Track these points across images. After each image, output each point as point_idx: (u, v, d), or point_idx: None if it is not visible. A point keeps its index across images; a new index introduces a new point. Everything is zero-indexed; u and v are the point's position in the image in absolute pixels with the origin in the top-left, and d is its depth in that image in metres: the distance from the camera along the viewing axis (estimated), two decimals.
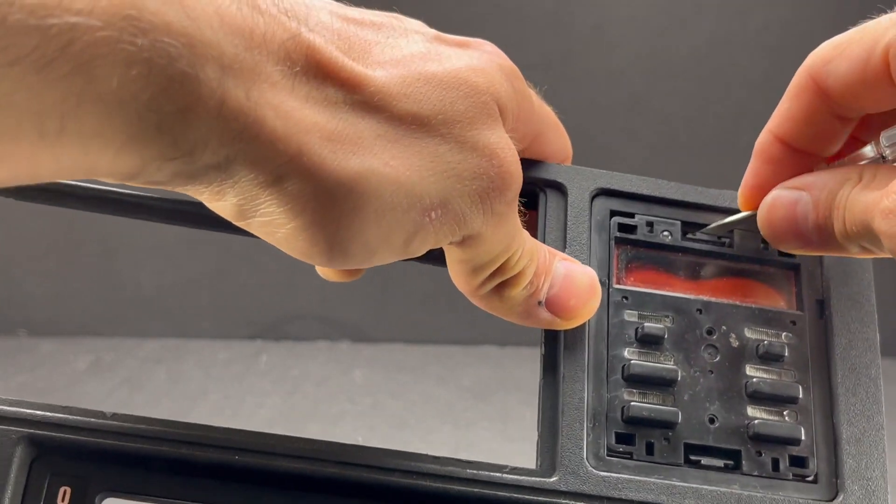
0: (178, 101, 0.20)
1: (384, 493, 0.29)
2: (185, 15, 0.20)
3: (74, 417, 0.28)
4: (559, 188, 0.34)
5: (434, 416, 1.37)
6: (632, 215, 0.34)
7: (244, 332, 1.47)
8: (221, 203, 0.24)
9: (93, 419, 0.28)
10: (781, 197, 0.30)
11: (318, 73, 0.24)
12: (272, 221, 0.24)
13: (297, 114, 0.23)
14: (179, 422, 0.28)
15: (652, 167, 1.41)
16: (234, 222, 0.25)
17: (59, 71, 0.18)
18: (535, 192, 0.33)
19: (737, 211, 0.33)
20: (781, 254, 0.34)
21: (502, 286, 0.29)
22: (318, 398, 1.38)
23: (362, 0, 0.28)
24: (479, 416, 1.37)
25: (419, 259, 0.32)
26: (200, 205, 0.31)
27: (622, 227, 0.33)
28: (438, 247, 0.27)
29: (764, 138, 0.32)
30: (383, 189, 0.24)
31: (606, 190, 0.34)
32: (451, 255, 0.29)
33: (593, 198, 0.34)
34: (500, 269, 0.29)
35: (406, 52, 0.26)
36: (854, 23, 0.29)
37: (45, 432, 0.27)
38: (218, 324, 1.46)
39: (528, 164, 0.31)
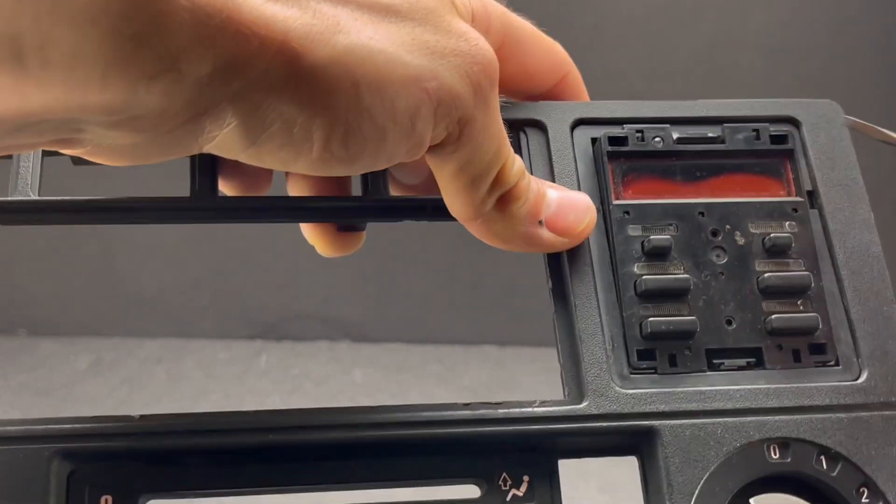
0: (149, 5, 0.20)
1: (423, 446, 0.29)
2: None
3: (103, 425, 0.27)
4: (538, 125, 0.34)
5: None
6: (622, 126, 0.33)
7: (244, 332, 1.47)
8: (225, 131, 0.24)
9: (122, 423, 0.27)
10: None
11: None
12: (283, 124, 0.24)
13: (269, 7, 0.23)
14: (208, 412, 0.28)
15: None
16: (242, 154, 0.25)
17: None
18: (516, 133, 0.33)
19: (710, 119, 0.34)
20: (774, 141, 0.34)
21: (503, 201, 0.29)
22: (319, 398, 1.38)
23: None
24: None
25: (417, 215, 0.32)
26: (189, 199, 0.31)
27: (613, 140, 0.33)
28: (437, 138, 0.27)
29: None
30: (375, 59, 0.24)
31: (585, 119, 0.34)
32: (448, 168, 0.28)
33: (573, 129, 0.34)
34: (497, 179, 0.29)
35: None
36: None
37: (77, 444, 0.27)
38: (218, 324, 1.46)
39: (504, 107, 0.30)
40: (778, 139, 0.34)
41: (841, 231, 0.33)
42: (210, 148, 0.25)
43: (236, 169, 0.34)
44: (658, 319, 0.30)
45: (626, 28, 1.39)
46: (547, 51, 0.34)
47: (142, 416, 0.27)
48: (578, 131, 0.34)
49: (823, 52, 1.42)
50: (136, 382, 1.38)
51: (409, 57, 0.25)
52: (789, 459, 0.29)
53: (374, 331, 1.49)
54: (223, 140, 0.24)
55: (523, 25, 0.33)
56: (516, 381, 1.44)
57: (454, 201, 0.30)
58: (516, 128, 0.33)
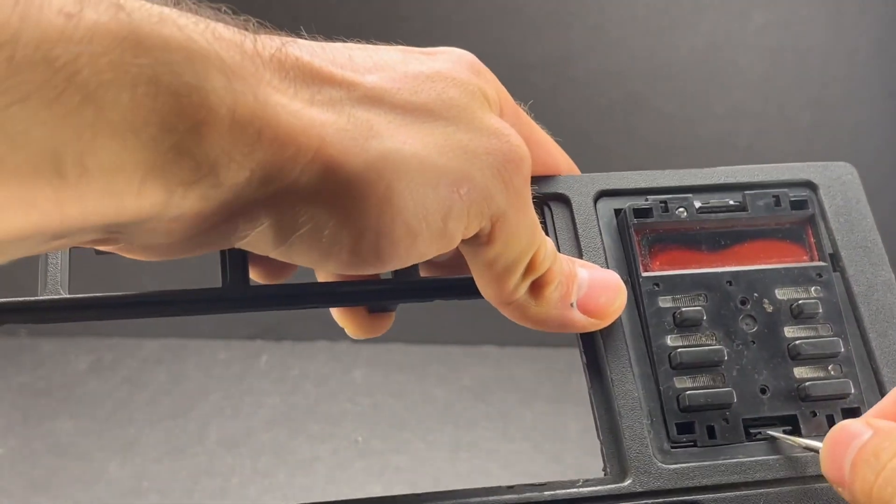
0: (190, 115, 0.20)
1: None
2: (179, 31, 0.21)
3: None
4: (562, 199, 0.34)
5: (434, 416, 1.37)
6: (644, 197, 0.34)
7: (244, 332, 1.47)
8: (258, 232, 0.24)
9: None
10: (846, 427, 0.28)
11: (313, 78, 0.24)
12: (314, 227, 0.24)
13: (307, 112, 0.23)
14: None
15: (651, 167, 1.41)
16: (273, 251, 0.25)
17: (69, 103, 0.19)
18: (540, 208, 0.33)
19: (730, 185, 0.34)
20: (794, 206, 0.34)
21: (536, 287, 0.29)
22: (318, 398, 1.38)
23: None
24: (479, 416, 1.37)
25: (448, 295, 0.32)
26: (221, 290, 0.31)
27: (638, 213, 0.33)
28: (469, 233, 0.27)
29: None
30: (409, 165, 0.24)
31: (607, 191, 0.34)
32: (481, 259, 0.28)
33: (596, 201, 0.34)
34: (531, 266, 0.29)
35: (386, 59, 0.27)
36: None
37: None
38: (218, 324, 1.46)
39: None
40: (798, 204, 0.34)
41: (865, 293, 0.33)
42: (241, 245, 0.25)
43: (263, 257, 0.34)
44: (696, 392, 0.31)
45: (626, 28, 1.39)
46: (566, 160, 0.35)
47: None
48: (601, 203, 0.34)
49: (823, 52, 1.42)
50: (136, 382, 1.38)
51: (442, 159, 0.25)
52: None
53: None
54: (255, 238, 0.24)
55: (543, 132, 0.34)
56: (516, 382, 1.43)
57: (487, 289, 0.29)
58: (540, 203, 0.33)
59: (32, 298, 0.30)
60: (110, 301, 0.31)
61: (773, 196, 0.34)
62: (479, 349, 1.48)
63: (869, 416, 0.28)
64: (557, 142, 0.35)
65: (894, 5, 1.40)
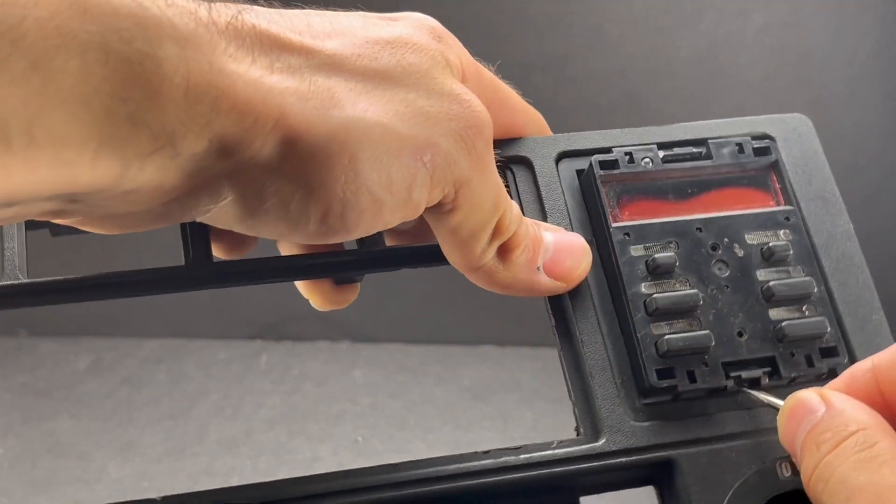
0: (143, 83, 0.20)
1: (447, 500, 0.29)
2: None
3: None
4: (524, 162, 0.34)
5: (434, 416, 1.37)
6: (609, 150, 0.34)
7: (244, 332, 1.47)
8: (221, 204, 0.24)
9: None
10: (805, 400, 0.27)
11: (272, 45, 0.24)
12: (280, 200, 0.24)
13: (266, 80, 0.23)
14: (228, 488, 0.28)
15: None
16: (238, 225, 0.25)
17: (14, 69, 0.18)
18: (503, 171, 0.33)
19: (691, 140, 0.35)
20: (757, 153, 0.34)
21: (502, 251, 0.29)
22: (318, 398, 1.38)
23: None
24: (479, 416, 1.37)
25: (414, 263, 0.32)
26: (184, 268, 0.30)
27: (604, 165, 0.33)
28: (434, 200, 0.27)
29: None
30: (372, 133, 0.24)
31: (568, 152, 0.34)
32: (447, 225, 0.28)
33: (557, 163, 0.34)
34: (496, 231, 0.29)
35: (345, 25, 0.26)
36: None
37: None
38: (218, 324, 1.46)
39: None
40: (761, 151, 0.34)
41: (825, 244, 0.34)
42: (205, 219, 0.24)
43: (225, 231, 0.33)
44: (675, 336, 0.31)
45: (626, 28, 1.39)
46: (532, 118, 0.35)
47: (164, 498, 0.27)
48: (563, 164, 0.34)
49: (823, 53, 1.42)
50: (136, 382, 1.38)
51: (404, 127, 0.25)
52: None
53: (374, 331, 1.49)
54: (219, 212, 0.24)
55: (510, 92, 0.34)
56: (516, 382, 1.43)
57: (453, 254, 0.29)
58: (503, 166, 0.33)
59: None
60: (71, 284, 0.30)
61: (736, 144, 0.34)
62: (479, 349, 1.48)
63: (831, 386, 0.28)
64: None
65: (894, 5, 1.40)
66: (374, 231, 0.26)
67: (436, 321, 1.48)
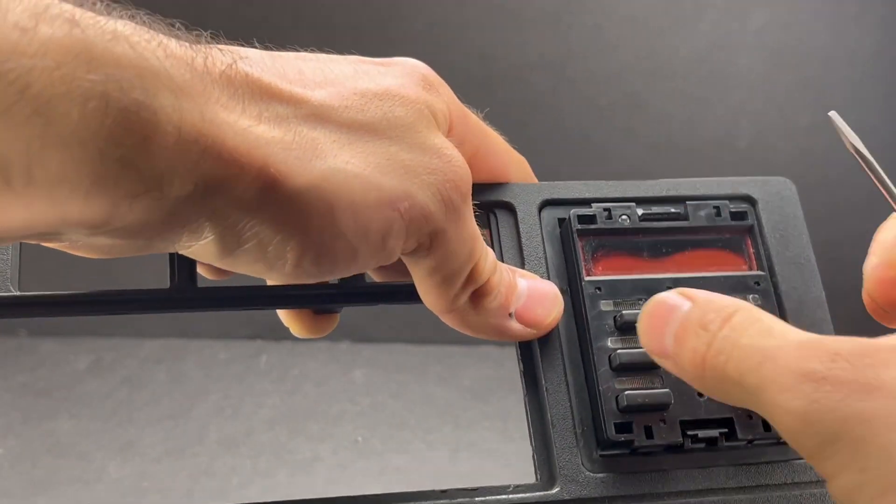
0: (137, 131, 0.21)
1: None
2: (131, 49, 0.21)
3: None
4: (507, 207, 0.35)
5: (434, 416, 1.37)
6: (588, 204, 0.34)
7: (244, 332, 1.47)
8: (202, 243, 0.25)
9: None
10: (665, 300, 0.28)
11: (262, 94, 0.25)
12: (258, 243, 0.25)
13: (253, 130, 0.24)
14: None
15: (651, 167, 1.41)
16: (217, 262, 0.26)
17: (19, 115, 0.19)
18: (486, 215, 0.34)
19: (671, 197, 0.35)
20: (734, 217, 0.35)
21: (475, 297, 0.30)
22: (318, 398, 1.38)
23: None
24: (479, 416, 1.37)
25: (391, 300, 0.33)
26: (168, 290, 0.31)
27: (582, 219, 0.34)
28: (408, 249, 0.28)
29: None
30: (351, 184, 0.25)
31: (552, 200, 0.35)
32: (422, 269, 0.29)
33: (540, 210, 0.34)
34: (470, 277, 0.30)
35: (336, 73, 0.27)
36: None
37: None
38: (218, 324, 1.46)
39: (475, 188, 0.31)
40: (738, 216, 0.35)
41: (795, 309, 0.34)
42: (186, 253, 0.26)
43: None
44: (635, 392, 0.31)
45: (626, 28, 1.39)
46: (517, 164, 0.36)
47: None
48: (546, 212, 0.35)
49: (823, 53, 1.42)
50: (136, 382, 1.38)
51: (383, 179, 0.26)
52: None
53: (374, 331, 1.49)
54: (199, 249, 0.25)
55: (497, 138, 0.34)
56: (516, 382, 1.43)
57: (428, 297, 0.30)
58: (486, 209, 0.34)
59: None
60: (60, 299, 0.31)
61: (714, 207, 0.35)
62: (479, 349, 1.48)
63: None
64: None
65: (894, 6, 1.40)
66: (349, 275, 0.28)
67: (436, 321, 1.48)
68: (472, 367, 1.46)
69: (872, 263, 0.29)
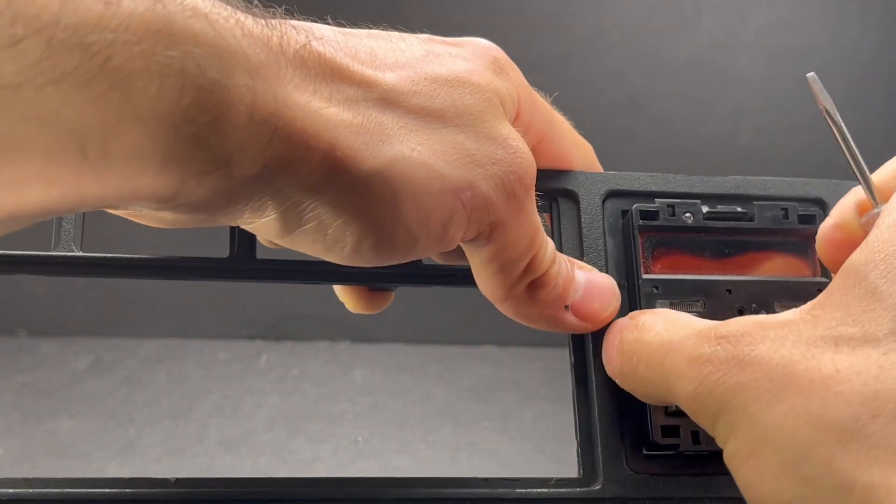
0: (211, 108, 0.21)
1: None
2: (210, 27, 0.21)
3: (137, 490, 0.27)
4: (571, 196, 0.34)
5: (434, 416, 1.37)
6: (652, 199, 0.34)
7: (244, 332, 1.47)
8: (264, 220, 0.25)
9: (158, 489, 0.27)
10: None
11: (333, 76, 0.25)
12: (319, 224, 0.25)
13: (323, 112, 0.24)
14: (241, 479, 0.28)
15: (651, 168, 1.41)
16: (277, 240, 0.26)
17: (99, 87, 0.19)
18: (549, 202, 0.33)
19: (739, 195, 0.34)
20: (802, 221, 0.34)
21: (532, 287, 0.30)
22: (318, 398, 1.38)
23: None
24: (479, 416, 1.37)
25: (448, 282, 0.33)
26: (227, 260, 0.31)
27: (644, 215, 0.33)
28: (469, 238, 0.28)
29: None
30: (416, 172, 0.25)
31: (617, 191, 0.34)
32: (480, 257, 0.29)
33: (604, 201, 0.34)
34: (529, 267, 0.29)
35: (408, 56, 0.27)
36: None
37: None
38: (218, 324, 1.46)
39: (539, 174, 0.31)
40: (806, 219, 0.34)
41: None
42: (247, 229, 0.26)
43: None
44: None
45: (626, 28, 1.39)
46: (582, 151, 0.35)
47: (177, 481, 0.27)
48: (609, 202, 0.34)
49: (824, 53, 1.42)
50: (136, 382, 1.38)
51: (448, 168, 0.26)
52: None
53: (374, 331, 1.49)
54: (260, 226, 0.25)
55: (564, 124, 0.34)
56: (516, 382, 1.43)
57: (485, 284, 0.30)
58: (549, 196, 0.33)
59: (45, 253, 0.31)
60: (119, 262, 0.31)
61: (782, 209, 0.34)
62: (479, 349, 1.48)
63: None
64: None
65: (894, 6, 1.40)
66: (407, 260, 0.27)
67: (436, 321, 1.49)
68: (472, 367, 1.46)
69: (826, 224, 0.30)
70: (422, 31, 0.30)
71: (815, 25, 1.41)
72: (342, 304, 0.40)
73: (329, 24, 0.27)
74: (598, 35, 1.39)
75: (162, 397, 1.36)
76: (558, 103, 0.33)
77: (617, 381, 0.30)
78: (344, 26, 0.28)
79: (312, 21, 0.27)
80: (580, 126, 0.35)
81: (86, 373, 1.40)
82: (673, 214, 0.33)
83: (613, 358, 0.30)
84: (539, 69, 1.33)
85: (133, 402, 1.35)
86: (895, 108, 1.43)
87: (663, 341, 0.27)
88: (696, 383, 0.24)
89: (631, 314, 0.30)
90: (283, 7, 0.25)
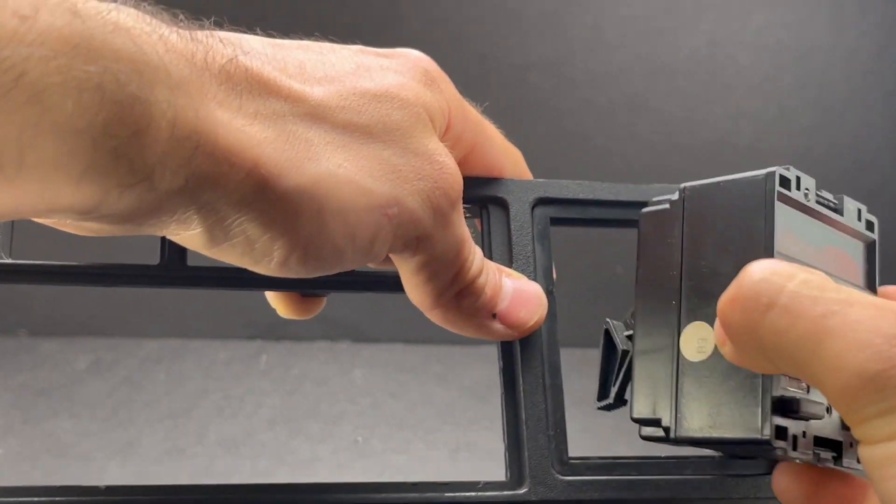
0: (131, 124, 0.21)
1: None
2: (131, 42, 0.21)
3: (66, 498, 0.28)
4: (500, 203, 0.34)
5: (434, 416, 1.37)
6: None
7: (244, 332, 1.47)
8: (189, 233, 0.25)
9: (88, 497, 0.28)
10: None
11: (261, 90, 0.25)
12: (246, 238, 0.25)
13: (247, 129, 0.24)
14: (176, 485, 0.28)
15: (651, 168, 1.41)
16: (204, 252, 0.26)
17: (15, 101, 0.19)
18: (478, 209, 0.34)
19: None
20: (867, 227, 0.32)
21: (460, 296, 0.30)
22: (318, 398, 1.38)
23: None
24: (479, 416, 1.37)
25: (379, 289, 0.33)
26: (158, 267, 0.31)
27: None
28: (395, 252, 0.28)
29: None
30: (342, 189, 0.25)
31: (545, 199, 0.34)
32: (408, 268, 0.29)
33: (533, 208, 0.34)
34: (456, 277, 0.30)
35: (338, 69, 0.27)
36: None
37: None
38: (218, 324, 1.46)
39: (470, 181, 0.31)
40: (869, 226, 0.33)
41: None
42: (174, 240, 0.26)
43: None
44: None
45: (626, 28, 1.39)
46: (513, 159, 0.35)
47: (107, 488, 0.28)
48: (538, 209, 0.34)
49: (824, 53, 1.42)
50: (136, 382, 1.38)
51: (374, 184, 0.26)
52: None
53: (374, 331, 1.49)
54: (187, 238, 0.25)
55: (494, 133, 0.34)
56: None
57: (413, 293, 0.31)
58: (479, 203, 0.34)
59: None
60: (50, 269, 0.31)
61: None
62: (479, 349, 1.48)
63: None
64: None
65: (894, 5, 1.40)
66: (335, 272, 0.27)
67: None
68: (472, 367, 1.46)
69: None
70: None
71: (815, 25, 1.41)
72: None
73: (259, 34, 0.27)
74: (597, 35, 1.39)
75: (162, 397, 1.36)
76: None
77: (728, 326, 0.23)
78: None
79: (242, 32, 0.26)
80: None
81: (86, 373, 1.40)
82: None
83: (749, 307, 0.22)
84: (539, 69, 1.33)
85: (133, 402, 1.35)
86: (895, 108, 1.43)
87: (835, 298, 0.22)
88: (889, 365, 0.20)
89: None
90: (213, 19, 0.26)
